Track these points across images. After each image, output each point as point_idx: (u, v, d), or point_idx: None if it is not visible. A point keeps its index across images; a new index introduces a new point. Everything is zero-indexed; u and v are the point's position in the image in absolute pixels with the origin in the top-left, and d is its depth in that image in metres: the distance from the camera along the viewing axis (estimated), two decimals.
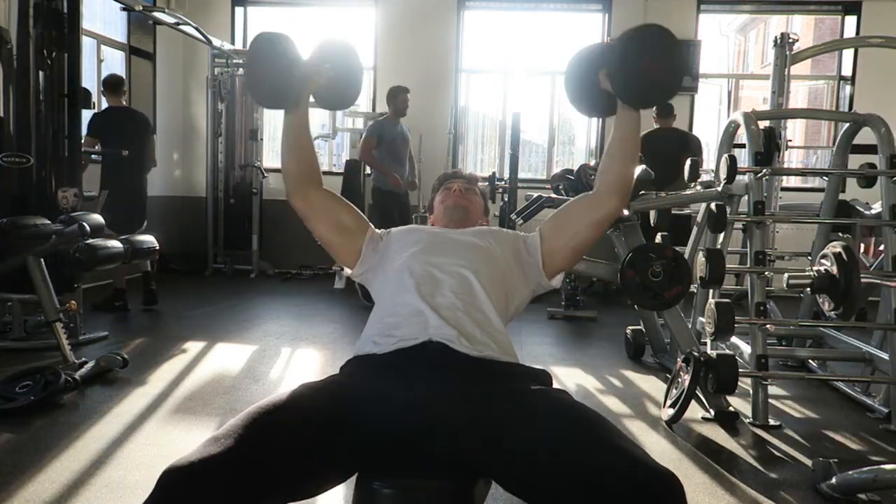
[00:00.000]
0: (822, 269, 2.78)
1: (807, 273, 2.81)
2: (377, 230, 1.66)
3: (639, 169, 3.66)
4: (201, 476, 1.05)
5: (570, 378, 3.61)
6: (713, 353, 2.90)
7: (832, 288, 2.72)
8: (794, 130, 10.26)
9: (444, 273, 1.47)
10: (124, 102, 5.11)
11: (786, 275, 2.83)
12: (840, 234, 3.91)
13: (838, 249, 2.71)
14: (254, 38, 1.59)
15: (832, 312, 2.76)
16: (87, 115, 4.50)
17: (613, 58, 1.49)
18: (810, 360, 3.80)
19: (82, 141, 4.28)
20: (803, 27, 12.73)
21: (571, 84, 1.63)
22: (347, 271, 1.66)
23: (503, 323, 1.48)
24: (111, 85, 4.94)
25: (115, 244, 3.57)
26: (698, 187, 3.87)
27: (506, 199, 5.55)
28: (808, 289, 2.82)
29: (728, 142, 3.63)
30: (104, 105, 5.06)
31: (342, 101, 1.74)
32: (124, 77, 5.44)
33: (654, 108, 5.77)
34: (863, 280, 2.74)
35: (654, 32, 1.49)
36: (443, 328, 1.36)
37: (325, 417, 1.21)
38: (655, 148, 5.23)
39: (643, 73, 1.46)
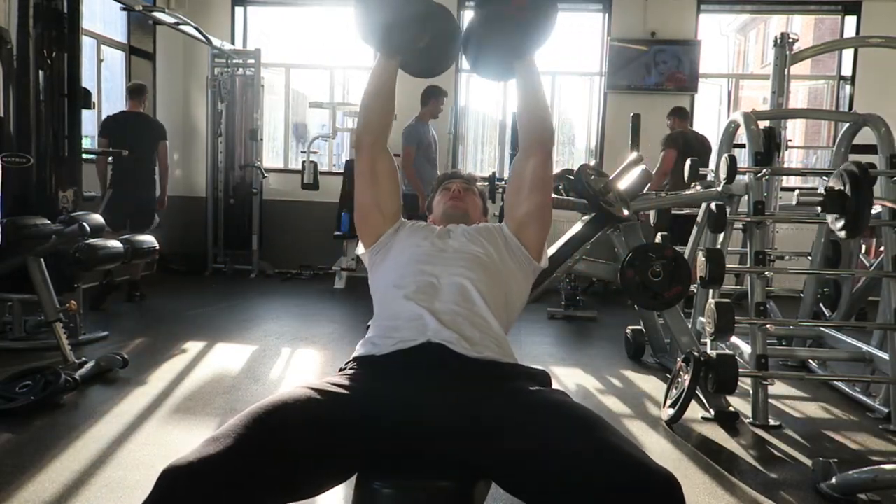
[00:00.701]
0: (833, 186, 2.71)
1: (818, 191, 2.76)
2: (399, 222, 1.67)
3: (639, 169, 3.67)
4: (200, 476, 1.05)
5: (570, 378, 3.61)
6: (713, 353, 2.90)
7: (843, 205, 2.66)
8: (794, 130, 10.26)
9: (442, 283, 1.48)
10: (143, 109, 5.36)
11: (797, 191, 2.78)
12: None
13: (852, 167, 2.66)
14: None
15: (841, 232, 2.71)
16: (87, 115, 4.51)
17: (478, 25, 1.53)
18: (810, 360, 3.80)
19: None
20: (803, 27, 12.73)
21: (472, 63, 1.69)
22: (360, 249, 1.67)
23: (503, 328, 1.48)
24: (131, 91, 5.35)
25: (115, 244, 3.58)
26: (698, 187, 3.87)
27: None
28: (819, 207, 2.76)
29: (728, 142, 3.64)
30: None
31: (425, 71, 1.72)
32: (144, 84, 5.67)
33: (674, 112, 5.79)
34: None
35: None
36: (442, 331, 1.36)
37: (325, 418, 1.21)
38: (687, 148, 5.25)
39: (504, 12, 1.49)
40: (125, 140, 5.01)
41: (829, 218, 2.74)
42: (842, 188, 2.66)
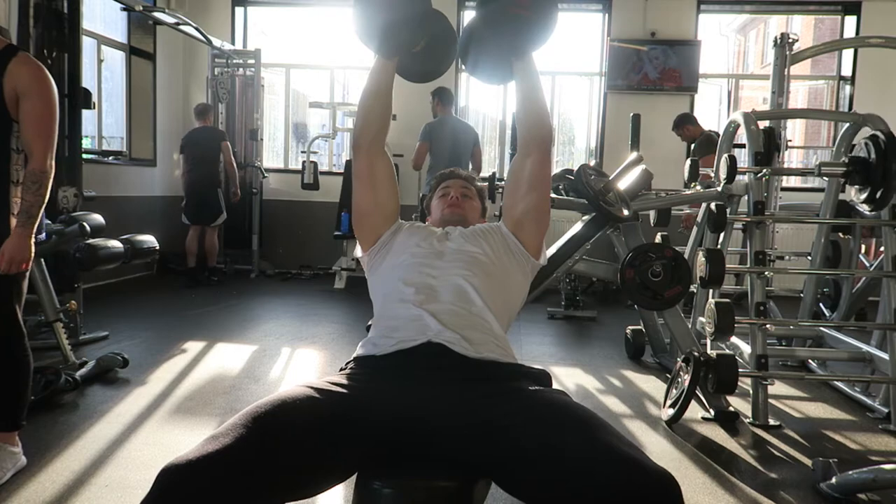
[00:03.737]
0: (857, 155, 2.63)
1: (840, 161, 2.69)
2: (398, 223, 1.66)
3: (639, 169, 3.67)
4: (199, 474, 1.04)
5: (570, 378, 3.61)
6: (713, 353, 2.90)
7: (867, 175, 2.55)
8: (794, 130, 10.26)
9: (440, 284, 1.48)
10: (209, 123, 6.20)
11: (818, 162, 2.68)
12: (840, 235, 3.92)
13: (878, 134, 2.56)
14: None
15: (864, 204, 2.60)
16: (87, 115, 4.52)
17: (476, 14, 1.51)
18: (810, 360, 3.80)
19: None
20: (803, 27, 12.74)
21: (470, 64, 1.65)
22: (358, 252, 1.67)
23: (503, 328, 1.49)
24: (196, 113, 6.18)
25: (115, 244, 3.58)
26: (698, 187, 3.87)
27: None
28: (842, 178, 2.68)
29: (728, 142, 3.64)
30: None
31: (422, 75, 1.69)
32: (209, 103, 6.55)
33: (686, 120, 5.78)
34: None
35: None
36: (444, 332, 1.37)
37: (325, 417, 1.21)
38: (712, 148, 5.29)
39: (509, 14, 1.47)
40: (195, 152, 6.01)
41: (853, 190, 2.67)
42: (866, 157, 2.58)
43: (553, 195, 3.83)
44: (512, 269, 1.59)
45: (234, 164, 6.20)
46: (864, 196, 2.61)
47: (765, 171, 3.17)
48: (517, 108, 1.63)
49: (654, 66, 6.79)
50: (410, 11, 1.53)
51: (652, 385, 3.52)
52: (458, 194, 1.79)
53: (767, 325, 3.06)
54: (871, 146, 2.57)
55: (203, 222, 6.07)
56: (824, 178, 3.46)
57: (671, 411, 2.89)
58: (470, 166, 5.61)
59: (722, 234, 3.55)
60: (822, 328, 3.62)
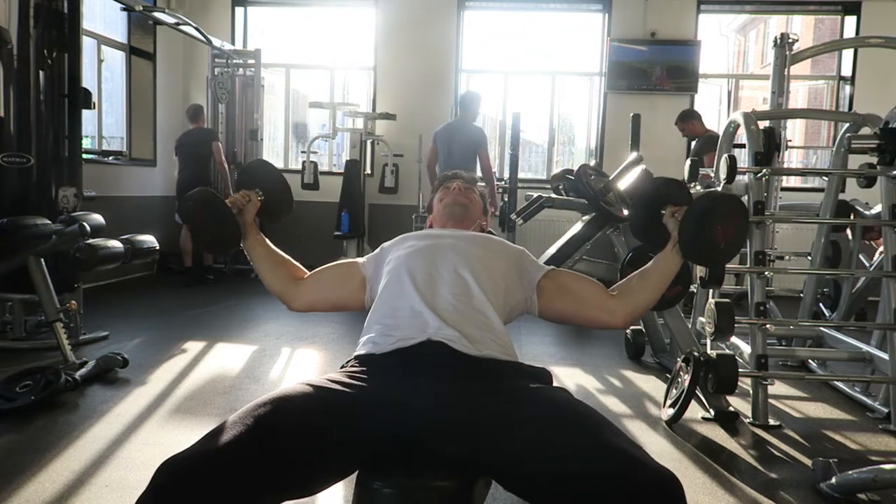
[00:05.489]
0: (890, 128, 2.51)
1: (872, 133, 2.55)
2: (365, 258, 1.68)
3: (639, 169, 3.67)
4: (197, 472, 1.05)
5: (570, 378, 3.61)
6: (713, 353, 2.90)
7: None
8: (794, 130, 10.26)
9: (441, 273, 1.48)
10: (203, 125, 6.30)
11: (848, 135, 2.51)
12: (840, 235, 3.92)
13: None
14: (181, 210, 1.69)
15: None
16: (87, 115, 4.53)
17: (692, 215, 1.54)
18: (810, 360, 3.80)
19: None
20: (803, 27, 12.74)
21: (641, 206, 1.69)
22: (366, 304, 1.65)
23: (502, 321, 1.48)
24: (189, 115, 6.28)
25: (116, 244, 3.58)
26: (698, 187, 3.87)
27: (506, 199, 5.55)
28: (874, 152, 2.59)
29: (728, 142, 3.63)
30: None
31: (282, 212, 1.78)
32: (203, 105, 6.56)
33: (690, 115, 5.80)
34: None
35: (736, 208, 1.57)
36: (443, 329, 1.36)
37: (325, 416, 1.21)
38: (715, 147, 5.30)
39: (712, 240, 1.53)
40: (187, 153, 6.09)
41: (883, 167, 2.53)
42: None
43: (553, 195, 3.84)
44: (513, 275, 1.57)
45: (225, 165, 6.27)
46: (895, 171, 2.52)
47: (765, 171, 3.17)
48: (653, 275, 1.59)
49: (653, 66, 6.79)
50: (221, 212, 1.63)
51: (652, 385, 3.52)
52: (461, 187, 1.80)
53: (767, 325, 3.06)
54: None
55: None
56: (824, 178, 3.44)
57: (671, 411, 2.89)
58: (480, 172, 5.51)
59: None
60: (822, 328, 3.61)
